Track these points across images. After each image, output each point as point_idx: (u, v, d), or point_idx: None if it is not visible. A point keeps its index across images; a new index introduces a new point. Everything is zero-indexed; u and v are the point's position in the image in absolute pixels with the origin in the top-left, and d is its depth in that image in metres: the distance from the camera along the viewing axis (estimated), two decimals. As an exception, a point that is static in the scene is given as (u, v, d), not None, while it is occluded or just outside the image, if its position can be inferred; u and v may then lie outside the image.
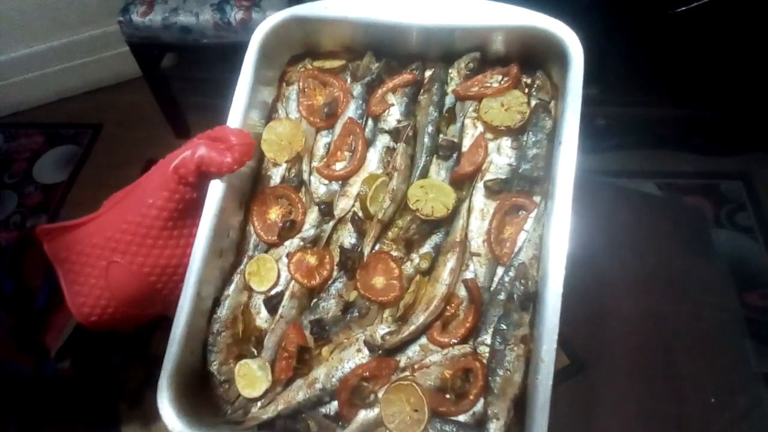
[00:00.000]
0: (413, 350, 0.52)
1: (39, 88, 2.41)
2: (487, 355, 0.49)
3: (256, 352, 0.54)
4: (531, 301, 0.49)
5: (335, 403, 0.51)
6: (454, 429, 0.48)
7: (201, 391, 0.53)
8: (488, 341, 0.50)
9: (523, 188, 0.53)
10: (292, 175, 0.58)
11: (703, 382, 0.72)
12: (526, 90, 0.56)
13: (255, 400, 0.52)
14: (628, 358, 0.74)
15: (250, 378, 0.53)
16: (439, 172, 0.56)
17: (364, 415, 0.50)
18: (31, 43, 2.29)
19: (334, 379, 0.51)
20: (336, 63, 0.61)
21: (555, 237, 0.47)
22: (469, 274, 0.52)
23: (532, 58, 0.56)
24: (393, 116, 0.58)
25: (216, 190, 0.53)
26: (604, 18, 1.60)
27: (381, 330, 0.52)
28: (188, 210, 0.54)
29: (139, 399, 0.68)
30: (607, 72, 1.79)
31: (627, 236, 0.85)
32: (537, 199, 0.53)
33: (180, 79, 2.24)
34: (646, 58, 1.71)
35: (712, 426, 0.70)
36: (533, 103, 0.55)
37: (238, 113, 0.56)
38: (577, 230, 0.81)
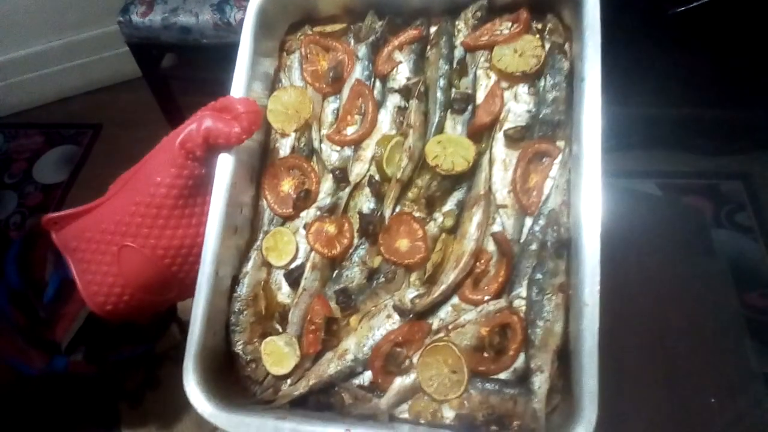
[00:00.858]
0: (445, 311, 0.50)
1: (39, 88, 2.41)
2: (524, 308, 0.47)
3: (281, 328, 0.52)
4: (565, 247, 0.47)
5: (369, 373, 0.49)
6: (497, 387, 0.46)
7: (228, 372, 0.50)
8: (524, 294, 0.48)
9: (545, 134, 0.51)
10: (302, 144, 0.56)
11: (703, 382, 0.72)
12: (539, 35, 0.54)
13: (284, 377, 0.50)
14: (627, 359, 0.73)
15: (278, 355, 0.50)
16: (455, 127, 0.54)
17: (400, 382, 0.48)
18: (31, 43, 2.30)
19: (365, 348, 0.49)
20: (337, 26, 0.59)
21: (587, 179, 0.45)
22: (496, 227, 0.50)
23: (542, 1, 0.53)
24: (402, 74, 0.56)
25: (225, 164, 0.51)
26: (603, 18, 1.58)
27: (410, 293, 0.50)
28: (198, 187, 0.51)
29: (139, 399, 0.67)
30: (606, 72, 1.79)
31: (627, 236, 0.83)
32: (560, 144, 0.50)
33: (180, 79, 2.24)
34: (646, 58, 1.69)
35: (712, 426, 0.70)
36: (547, 46, 0.53)
37: (240, 86, 0.54)
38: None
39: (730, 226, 1.82)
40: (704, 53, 1.67)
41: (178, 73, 2.31)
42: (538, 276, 0.47)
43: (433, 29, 0.58)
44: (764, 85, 1.70)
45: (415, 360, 0.48)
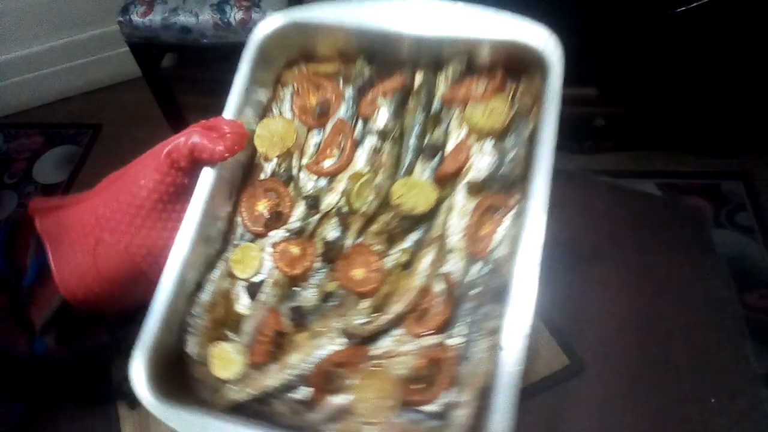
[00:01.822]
0: (387, 340, 0.52)
1: (39, 88, 2.43)
2: (458, 346, 0.50)
3: (233, 336, 0.55)
4: (502, 296, 0.50)
5: (306, 389, 0.52)
6: (420, 417, 0.48)
7: (175, 369, 0.53)
8: (459, 333, 0.50)
9: (502, 188, 0.55)
10: (282, 170, 0.60)
11: (703, 382, 0.72)
12: (510, 95, 0.58)
13: (229, 382, 0.53)
14: (628, 358, 0.74)
15: (226, 360, 0.53)
16: (423, 172, 0.58)
17: (334, 401, 0.51)
18: (31, 43, 2.31)
19: (307, 366, 0.52)
20: (330, 67, 0.64)
21: (529, 232, 0.48)
22: (446, 269, 0.53)
23: (516, 66, 0.58)
24: (382, 118, 0.60)
25: (207, 177, 0.55)
26: (603, 18, 1.62)
27: (358, 319, 0.53)
28: (178, 195, 0.55)
29: (139, 399, 0.68)
30: (606, 72, 1.80)
31: (627, 236, 0.85)
32: (515, 198, 0.54)
33: (180, 79, 2.25)
34: (645, 58, 1.71)
35: (713, 426, 0.69)
36: (515, 107, 0.57)
37: (231, 109, 0.59)
38: (577, 231, 0.85)
39: (730, 226, 1.82)
40: (704, 53, 1.68)
41: (178, 73, 2.30)
42: (475, 318, 0.50)
43: (418, 77, 0.62)
44: (764, 85, 1.71)
45: (351, 382, 0.51)
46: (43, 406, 0.70)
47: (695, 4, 1.50)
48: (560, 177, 0.98)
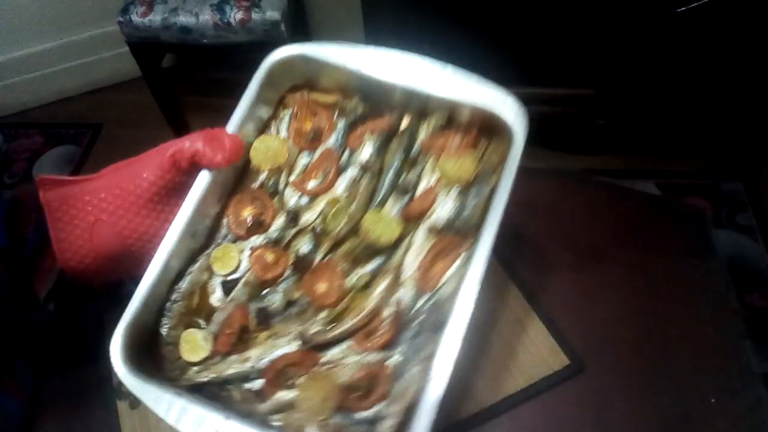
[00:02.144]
0: (336, 350, 0.60)
1: (39, 88, 2.42)
2: (395, 365, 0.58)
3: (203, 324, 0.62)
4: (440, 328, 0.57)
5: (259, 381, 0.59)
6: (352, 422, 0.56)
7: (148, 347, 0.60)
8: (398, 356, 0.58)
9: (457, 233, 0.62)
10: (270, 183, 0.68)
11: (703, 383, 0.71)
12: (480, 153, 0.66)
13: (193, 364, 0.60)
14: (628, 358, 0.74)
15: (193, 345, 0.61)
16: (393, 207, 0.65)
17: (282, 395, 0.58)
18: (31, 43, 2.30)
19: (264, 361, 0.59)
20: (329, 98, 0.71)
21: (470, 277, 0.56)
22: (396, 297, 0.61)
23: (489, 127, 0.66)
24: (366, 152, 0.68)
25: (203, 179, 0.63)
26: (604, 19, 1.63)
27: (314, 327, 0.61)
28: (175, 191, 0.63)
29: (139, 399, 0.71)
30: (606, 72, 1.80)
31: (627, 236, 0.86)
32: (467, 244, 0.62)
33: (180, 79, 2.26)
34: (645, 58, 1.71)
35: (712, 426, 0.69)
36: (482, 165, 0.65)
37: (235, 123, 0.66)
38: (577, 230, 0.86)
39: (730, 226, 1.82)
40: (705, 54, 1.68)
41: (178, 73, 2.29)
42: (413, 344, 0.58)
43: (404, 121, 0.70)
44: (765, 86, 1.71)
45: (299, 381, 0.58)
46: (45, 369, 0.75)
47: (695, 4, 1.48)
48: (560, 177, 0.99)
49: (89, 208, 0.62)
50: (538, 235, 0.86)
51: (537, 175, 0.91)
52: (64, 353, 0.74)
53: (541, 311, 0.77)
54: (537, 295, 0.79)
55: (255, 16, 1.79)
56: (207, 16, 1.78)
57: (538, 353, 0.74)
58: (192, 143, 0.62)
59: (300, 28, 2.30)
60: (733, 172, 1.97)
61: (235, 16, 1.78)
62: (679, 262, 0.83)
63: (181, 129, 2.22)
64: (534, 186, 0.87)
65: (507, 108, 0.63)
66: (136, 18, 1.80)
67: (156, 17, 1.80)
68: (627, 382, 0.72)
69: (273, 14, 1.81)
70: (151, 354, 0.61)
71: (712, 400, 0.70)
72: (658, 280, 0.81)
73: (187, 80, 2.39)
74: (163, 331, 0.61)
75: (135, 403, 0.70)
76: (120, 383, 0.70)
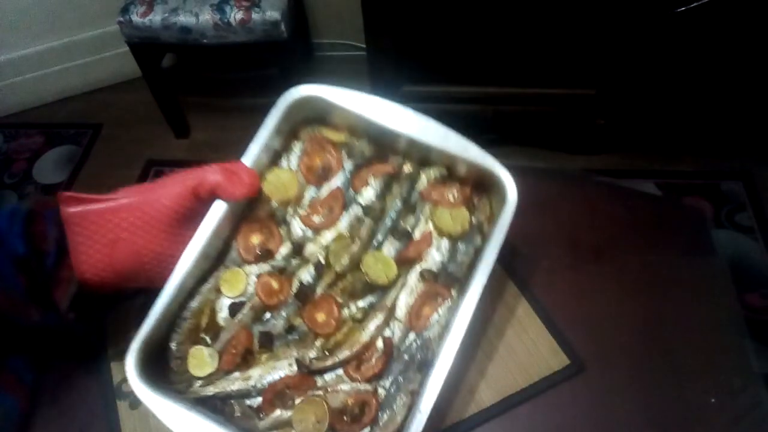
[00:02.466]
0: (330, 377, 0.67)
1: (39, 88, 2.41)
2: (382, 396, 0.66)
3: (210, 342, 0.68)
4: (426, 367, 0.65)
5: (259, 399, 0.66)
6: (343, 443, 0.64)
7: (158, 360, 0.66)
8: (386, 386, 0.66)
9: (446, 281, 0.70)
10: (279, 213, 0.73)
11: (703, 382, 0.72)
12: (474, 210, 0.73)
13: (198, 379, 0.66)
14: (628, 358, 0.75)
15: (200, 360, 0.67)
16: (390, 250, 0.72)
17: (279, 414, 0.65)
18: (31, 43, 2.31)
19: (264, 381, 0.66)
20: (338, 137, 0.77)
21: (457, 324, 0.64)
22: (388, 333, 0.69)
23: (484, 186, 0.73)
24: (369, 194, 0.74)
25: (219, 209, 0.68)
26: (604, 19, 1.65)
27: (311, 354, 0.68)
28: (192, 218, 0.68)
29: (139, 399, 0.69)
30: (606, 72, 1.83)
31: (627, 236, 0.86)
32: (454, 292, 0.70)
33: (180, 79, 2.27)
34: (645, 58, 1.73)
35: (713, 426, 0.69)
36: (475, 221, 0.72)
37: (252, 156, 0.71)
38: (577, 231, 0.87)
39: (730, 226, 1.83)
40: (705, 53, 1.69)
41: (178, 73, 2.29)
42: (400, 378, 0.66)
43: (406, 168, 0.76)
44: (764, 86, 1.72)
45: (296, 402, 0.65)
46: (45, 364, 0.78)
47: (695, 4, 1.49)
48: (560, 177, 1.00)
49: (110, 226, 0.66)
50: (538, 235, 0.86)
51: (537, 175, 0.95)
52: (64, 350, 0.78)
53: (541, 311, 0.78)
54: (537, 295, 0.80)
55: (255, 16, 1.80)
56: (207, 16, 1.79)
57: (538, 353, 0.75)
58: (212, 176, 0.67)
59: (300, 28, 2.31)
60: (733, 172, 1.96)
61: (235, 16, 1.79)
62: (679, 262, 0.82)
63: (181, 129, 2.21)
64: (534, 186, 0.88)
65: (502, 169, 0.70)
66: (136, 18, 1.80)
67: (156, 17, 1.80)
68: (627, 382, 0.73)
69: (273, 14, 1.82)
70: (160, 366, 0.66)
71: (712, 400, 0.70)
72: (658, 280, 0.81)
73: (187, 80, 2.39)
74: (173, 345, 0.67)
75: (135, 403, 0.74)
76: (120, 383, 0.76)
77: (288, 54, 2.01)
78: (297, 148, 0.77)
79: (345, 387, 0.67)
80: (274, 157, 0.76)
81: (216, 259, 0.71)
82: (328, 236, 0.73)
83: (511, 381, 0.74)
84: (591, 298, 0.81)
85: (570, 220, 0.89)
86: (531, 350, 0.76)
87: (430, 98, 1.95)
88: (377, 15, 1.71)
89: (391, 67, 1.88)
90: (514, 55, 1.79)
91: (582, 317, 0.79)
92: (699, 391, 0.72)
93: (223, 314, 0.70)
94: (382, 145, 0.76)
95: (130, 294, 0.77)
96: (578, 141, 2.09)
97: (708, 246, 0.85)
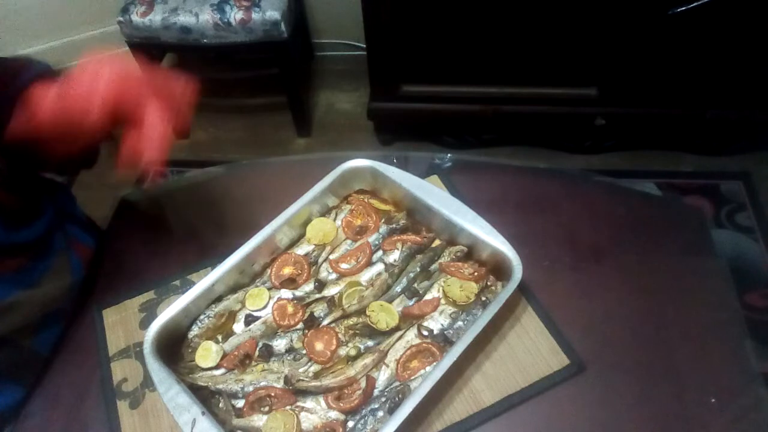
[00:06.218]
0: (310, 399, 0.72)
1: None
2: (349, 427, 0.69)
3: (221, 341, 0.77)
4: (394, 410, 0.68)
5: (242, 402, 0.72)
6: (300, 458, 0.67)
7: (173, 344, 0.76)
8: (356, 419, 0.69)
9: (439, 343, 0.74)
10: (314, 254, 0.84)
11: (703, 382, 0.72)
12: (484, 286, 0.79)
13: (200, 369, 0.75)
14: (628, 358, 0.74)
15: (207, 354, 0.75)
16: (399, 304, 0.79)
17: (255, 419, 0.70)
18: (31, 43, 2.32)
19: (252, 386, 0.73)
20: (384, 207, 0.88)
21: (431, 377, 0.67)
22: (374, 374, 0.73)
23: (498, 270, 0.79)
24: (393, 256, 0.83)
25: (260, 235, 0.80)
26: (604, 20, 1.64)
27: (300, 376, 0.73)
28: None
29: (138, 398, 0.71)
30: (606, 72, 1.81)
31: (627, 236, 0.87)
32: (441, 355, 0.73)
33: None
34: (645, 58, 1.71)
35: (713, 426, 0.69)
36: (483, 297, 0.77)
37: (306, 199, 0.84)
38: (577, 231, 0.88)
39: (730, 226, 1.80)
40: (704, 53, 1.68)
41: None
42: (370, 416, 0.69)
43: (436, 243, 0.85)
44: (764, 85, 1.70)
45: (272, 412, 0.70)
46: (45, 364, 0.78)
47: (695, 4, 1.50)
48: (560, 177, 1.02)
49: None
50: (538, 235, 0.87)
51: (537, 175, 0.96)
52: None
53: (541, 311, 0.78)
54: (537, 295, 0.81)
55: (255, 16, 1.80)
56: (207, 16, 1.79)
57: (538, 353, 0.75)
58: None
59: (300, 28, 2.25)
60: (733, 172, 1.95)
61: (235, 16, 1.79)
62: (679, 262, 0.82)
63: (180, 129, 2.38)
64: (534, 186, 0.91)
65: (512, 251, 0.76)
66: (136, 18, 1.81)
67: (156, 17, 1.80)
68: (627, 382, 0.72)
69: (273, 14, 1.82)
70: (173, 349, 0.76)
71: (712, 400, 0.70)
72: (658, 280, 0.81)
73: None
74: (190, 335, 0.77)
75: (135, 403, 0.77)
76: (120, 383, 0.79)
77: (288, 54, 1.98)
78: (346, 209, 0.89)
79: (320, 412, 0.71)
80: (325, 212, 0.88)
81: (252, 278, 0.82)
82: (347, 282, 0.81)
83: (511, 381, 0.73)
84: (591, 298, 0.80)
85: (570, 220, 0.89)
86: (531, 350, 0.75)
87: (430, 98, 1.95)
88: (377, 15, 1.71)
89: (391, 67, 1.87)
90: (514, 54, 1.78)
91: (582, 317, 0.78)
92: (699, 391, 0.71)
93: (239, 323, 0.79)
94: (419, 219, 0.86)
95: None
96: (578, 141, 2.08)
97: (708, 246, 0.84)
